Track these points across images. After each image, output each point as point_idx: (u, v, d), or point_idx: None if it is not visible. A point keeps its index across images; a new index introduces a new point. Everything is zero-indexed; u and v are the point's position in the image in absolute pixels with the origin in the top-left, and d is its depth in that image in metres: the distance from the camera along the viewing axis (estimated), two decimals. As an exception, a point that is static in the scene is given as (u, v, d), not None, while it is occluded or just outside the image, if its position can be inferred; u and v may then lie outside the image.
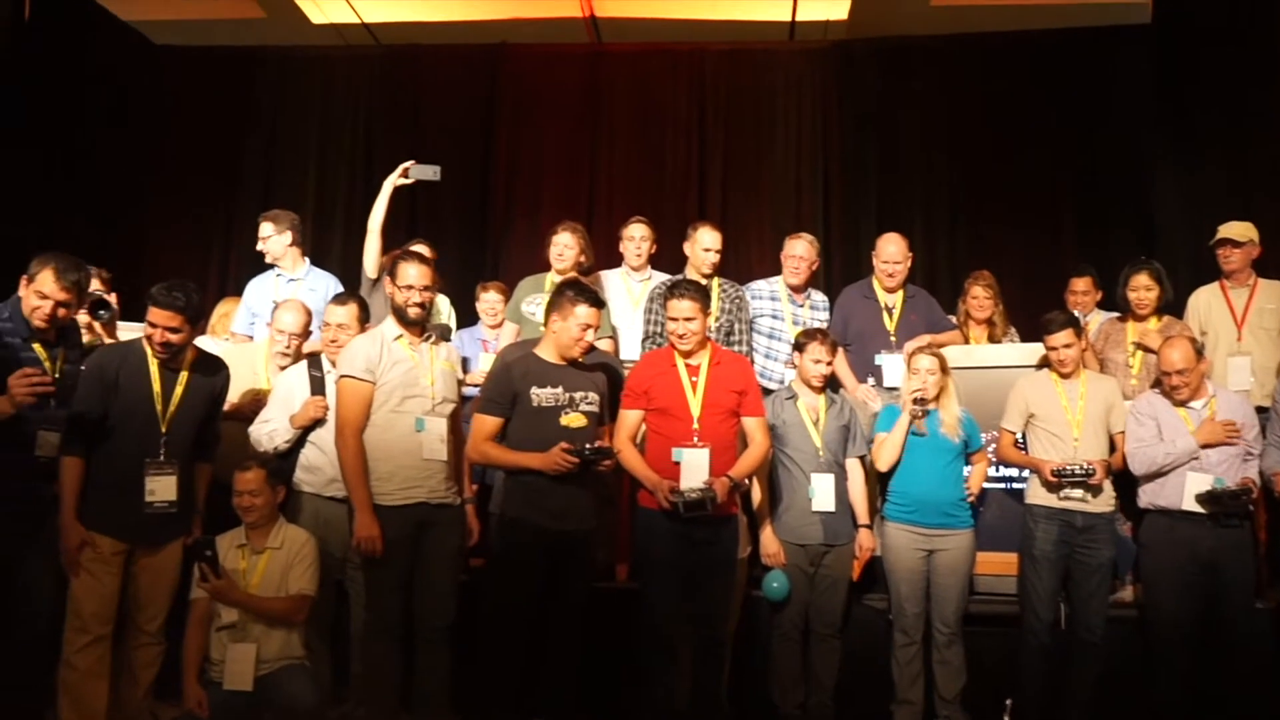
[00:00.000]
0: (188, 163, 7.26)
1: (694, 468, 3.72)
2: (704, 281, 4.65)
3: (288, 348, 4.30)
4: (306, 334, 4.40)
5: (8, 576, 3.43)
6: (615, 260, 5.34)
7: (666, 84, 7.17)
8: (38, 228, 6.01)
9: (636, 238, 5.09)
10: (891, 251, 4.98)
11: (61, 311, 3.47)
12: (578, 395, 3.71)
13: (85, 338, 4.03)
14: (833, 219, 6.88)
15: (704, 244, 4.81)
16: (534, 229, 5.17)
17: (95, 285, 4.18)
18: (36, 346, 3.48)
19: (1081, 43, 6.72)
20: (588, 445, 3.60)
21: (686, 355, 3.83)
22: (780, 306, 5.02)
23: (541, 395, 3.65)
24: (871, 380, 4.83)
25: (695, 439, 3.75)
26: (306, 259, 5.24)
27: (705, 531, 3.71)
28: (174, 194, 7.23)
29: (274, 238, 5.06)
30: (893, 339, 4.91)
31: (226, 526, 3.78)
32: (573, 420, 3.69)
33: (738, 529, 3.95)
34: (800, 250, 5.01)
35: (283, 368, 4.32)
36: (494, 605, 3.72)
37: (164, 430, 3.52)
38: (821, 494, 4.19)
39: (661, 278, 4.98)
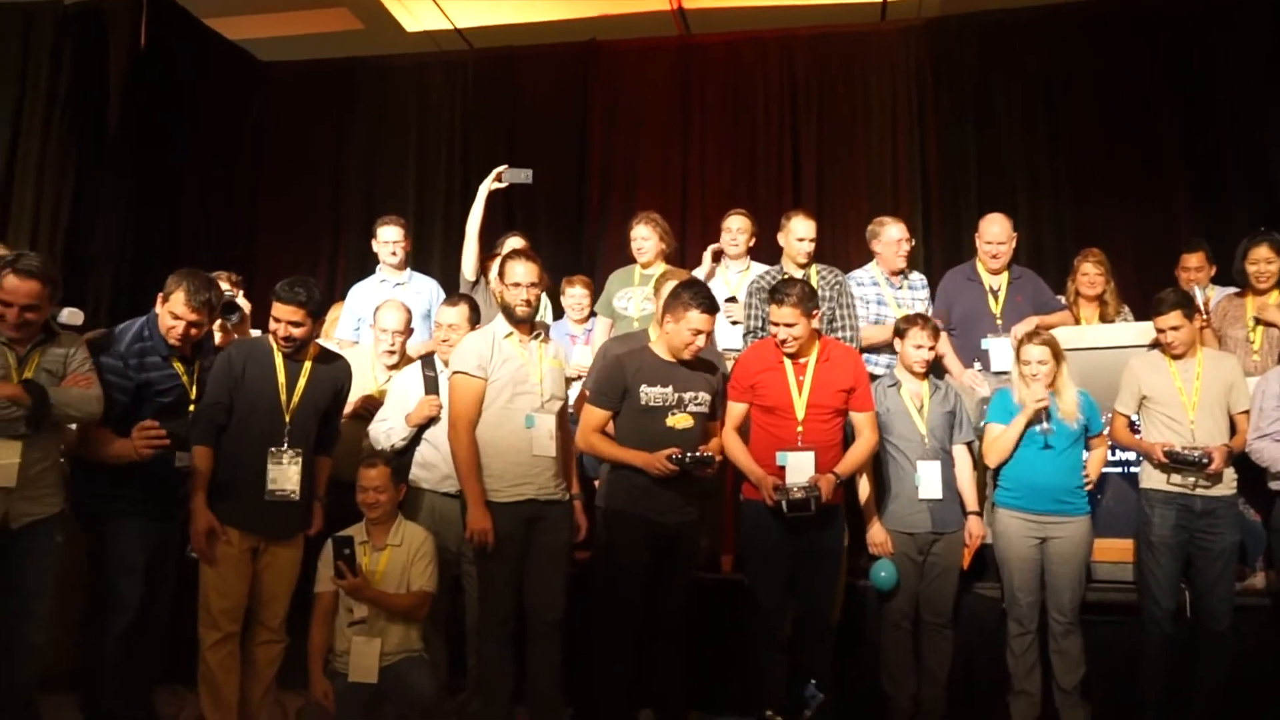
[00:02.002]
0: (294, 173, 7.55)
1: (798, 470, 3.71)
2: (800, 272, 4.62)
3: (392, 346, 4.42)
4: (408, 331, 4.53)
5: (151, 575, 3.62)
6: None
7: (757, 72, 7.11)
8: (160, 241, 6.33)
9: (734, 229, 5.09)
10: (995, 232, 4.86)
11: (194, 331, 3.62)
12: (687, 395, 3.72)
13: (218, 339, 4.21)
14: (932, 201, 6.73)
15: (798, 233, 4.75)
16: (629, 223, 5.19)
17: (225, 287, 4.34)
18: (175, 364, 3.66)
19: (1191, 5, 6.42)
20: (689, 454, 3.61)
21: (794, 356, 3.80)
22: (881, 291, 4.94)
23: (651, 394, 3.68)
24: (978, 365, 4.73)
25: (799, 441, 3.74)
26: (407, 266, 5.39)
27: (809, 522, 3.69)
28: (282, 203, 7.51)
29: (404, 243, 5.21)
30: (999, 322, 4.79)
31: (342, 524, 3.90)
32: (679, 421, 3.71)
33: (842, 518, 3.93)
34: (897, 234, 4.90)
35: (389, 366, 4.45)
36: (602, 597, 3.76)
37: (287, 420, 3.65)
38: (928, 481, 4.12)
39: (760, 269, 4.96)
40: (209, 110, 6.97)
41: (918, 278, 5.08)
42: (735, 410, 3.85)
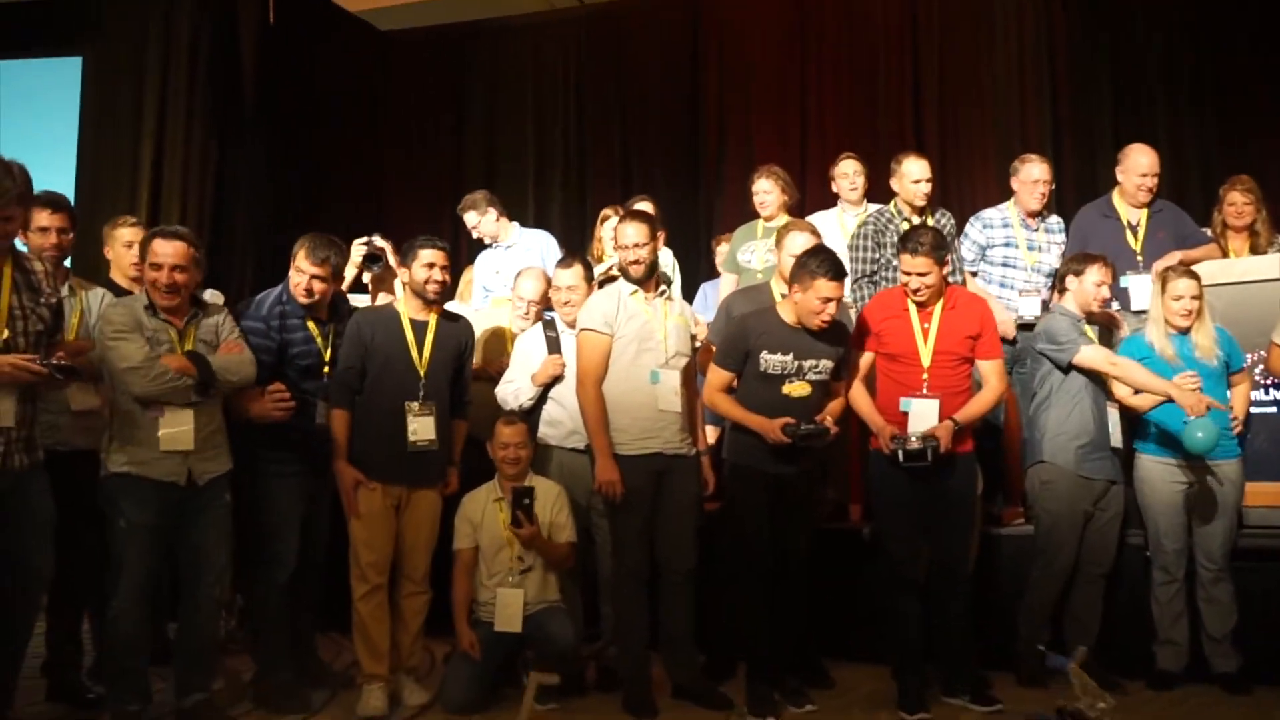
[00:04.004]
0: (416, 139, 7.75)
1: (922, 418, 3.66)
2: (916, 217, 4.55)
3: (526, 313, 4.53)
4: (545, 302, 4.60)
5: (306, 530, 3.83)
6: (832, 198, 5.25)
7: (875, 10, 6.89)
8: (296, 212, 6.61)
9: (850, 174, 5.02)
10: (1145, 163, 4.61)
11: (318, 286, 3.75)
12: (807, 364, 3.70)
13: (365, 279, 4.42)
14: (1063, 134, 6.42)
15: (913, 175, 4.62)
16: (748, 173, 5.16)
17: (379, 243, 4.60)
18: (310, 325, 3.82)
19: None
20: (804, 425, 3.60)
21: (922, 303, 3.74)
22: (1013, 233, 4.77)
23: (770, 362, 3.68)
24: (1116, 304, 4.53)
25: (924, 389, 3.69)
26: (514, 223, 5.48)
27: (939, 469, 3.64)
28: (406, 170, 7.73)
29: (482, 222, 5.34)
30: (1139, 259, 4.58)
31: (473, 481, 4.02)
32: (795, 389, 3.70)
33: (974, 465, 3.86)
34: (1036, 173, 4.72)
35: (520, 330, 4.56)
36: (730, 549, 3.82)
37: (422, 374, 3.80)
38: (1116, 428, 3.99)
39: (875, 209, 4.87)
40: (334, 82, 7.22)
41: (1055, 221, 4.88)
42: (862, 359, 3.82)
